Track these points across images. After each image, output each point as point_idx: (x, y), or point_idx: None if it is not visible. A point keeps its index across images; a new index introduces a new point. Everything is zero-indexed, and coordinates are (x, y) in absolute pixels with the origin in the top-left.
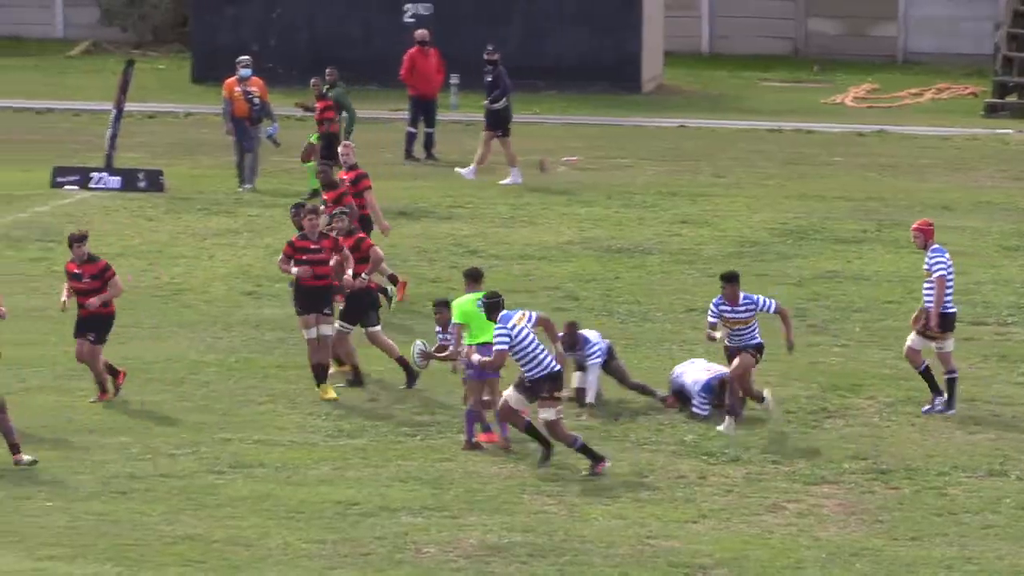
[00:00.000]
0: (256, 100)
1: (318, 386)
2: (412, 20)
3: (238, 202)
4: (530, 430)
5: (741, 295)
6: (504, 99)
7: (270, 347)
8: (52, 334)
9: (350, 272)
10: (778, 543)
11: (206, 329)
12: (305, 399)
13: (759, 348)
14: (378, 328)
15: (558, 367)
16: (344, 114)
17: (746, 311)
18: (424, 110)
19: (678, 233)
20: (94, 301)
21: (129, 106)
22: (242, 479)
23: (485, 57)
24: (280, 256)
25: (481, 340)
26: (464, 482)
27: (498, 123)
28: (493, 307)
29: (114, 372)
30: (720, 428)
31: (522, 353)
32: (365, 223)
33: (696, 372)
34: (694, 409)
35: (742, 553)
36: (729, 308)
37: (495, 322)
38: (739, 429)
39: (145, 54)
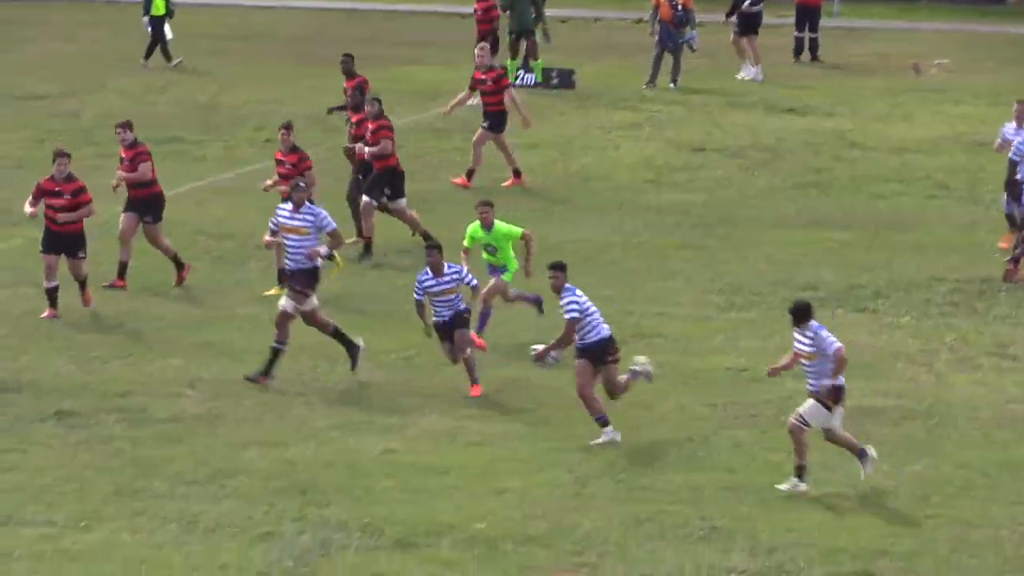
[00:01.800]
0: (680, 6)
1: None
2: None
3: (642, 98)
4: None
5: None
6: (761, 3)
7: (670, 230)
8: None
9: None
10: None
11: (611, 213)
12: (702, 276)
13: None
14: None
15: None
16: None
17: None
18: (808, 16)
19: None
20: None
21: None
22: (643, 347)
23: None
24: None
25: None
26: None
27: (750, 26)
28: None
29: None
30: None
31: None
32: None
33: None
34: None
35: None
36: None
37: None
38: None
39: None
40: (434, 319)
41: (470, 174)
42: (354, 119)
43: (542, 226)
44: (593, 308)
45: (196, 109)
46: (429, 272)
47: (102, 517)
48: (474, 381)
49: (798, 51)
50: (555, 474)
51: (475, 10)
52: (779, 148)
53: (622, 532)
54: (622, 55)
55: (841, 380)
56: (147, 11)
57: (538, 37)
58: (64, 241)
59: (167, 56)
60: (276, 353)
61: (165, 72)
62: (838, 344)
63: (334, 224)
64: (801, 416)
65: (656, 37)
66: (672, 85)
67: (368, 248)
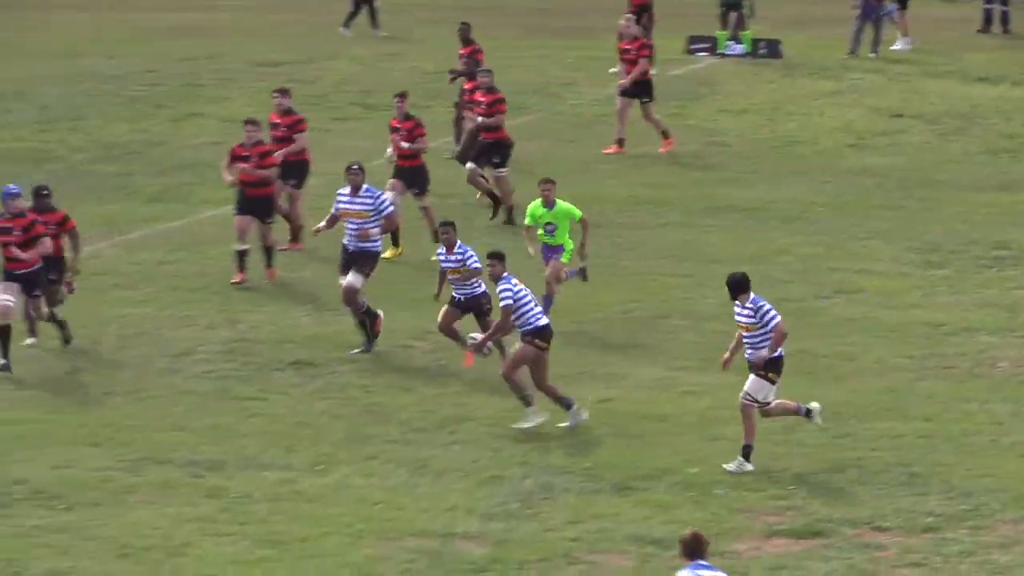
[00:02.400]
0: None
1: None
2: None
3: (844, 67)
4: None
5: None
6: None
7: (870, 192)
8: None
9: None
10: None
11: (815, 175)
12: (900, 236)
13: None
14: None
15: None
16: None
17: None
18: None
19: None
20: None
21: None
22: (845, 303)
23: None
24: None
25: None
26: None
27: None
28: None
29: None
30: None
31: None
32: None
33: None
34: None
35: None
36: None
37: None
38: None
39: None
40: (452, 294)
41: (620, 142)
42: (467, 86)
43: (750, 190)
44: (529, 297)
45: (424, 76)
46: (443, 248)
47: (336, 461)
48: (472, 349)
49: (987, 22)
50: (765, 423)
51: None
52: (972, 115)
53: (826, 477)
54: (825, 26)
55: (780, 352)
56: None
57: (745, 11)
58: (256, 204)
59: (374, 24)
60: (364, 323)
61: (393, 41)
62: (778, 319)
63: (391, 208)
64: (748, 394)
65: (858, 10)
66: (872, 55)
67: (507, 211)
